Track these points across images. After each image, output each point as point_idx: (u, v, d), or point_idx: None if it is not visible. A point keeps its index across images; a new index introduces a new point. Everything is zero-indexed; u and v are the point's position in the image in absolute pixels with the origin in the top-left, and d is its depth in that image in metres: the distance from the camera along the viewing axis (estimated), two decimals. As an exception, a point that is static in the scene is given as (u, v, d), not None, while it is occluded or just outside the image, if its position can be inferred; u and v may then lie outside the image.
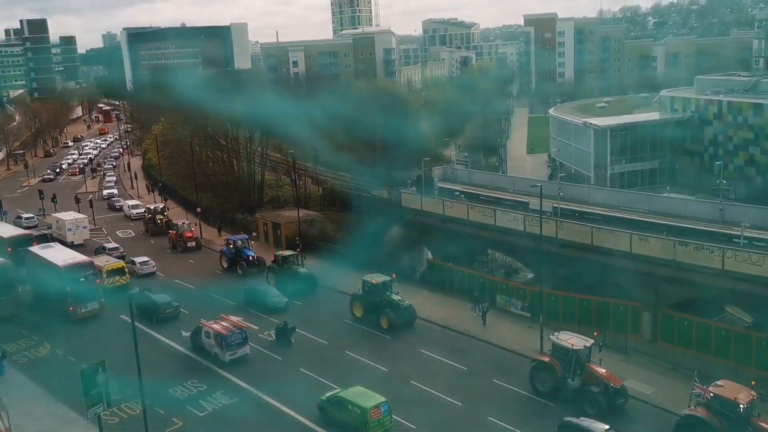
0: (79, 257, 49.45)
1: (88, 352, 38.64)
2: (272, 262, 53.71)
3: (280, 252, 53.99)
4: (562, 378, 34.61)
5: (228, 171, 78.37)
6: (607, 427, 30.04)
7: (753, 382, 31.87)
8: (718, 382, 30.83)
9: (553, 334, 36.23)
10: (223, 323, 40.67)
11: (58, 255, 49.49)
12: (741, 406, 29.20)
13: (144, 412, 28.31)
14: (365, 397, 32.46)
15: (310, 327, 44.62)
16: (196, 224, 68.51)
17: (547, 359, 35.57)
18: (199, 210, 72.92)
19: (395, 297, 44.84)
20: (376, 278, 45.23)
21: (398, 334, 43.38)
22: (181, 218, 71.59)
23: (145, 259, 57.94)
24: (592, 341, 35.31)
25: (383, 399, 32.46)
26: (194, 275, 56.32)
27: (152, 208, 72.89)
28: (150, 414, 29.52)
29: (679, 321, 40.43)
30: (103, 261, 54.04)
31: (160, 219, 70.71)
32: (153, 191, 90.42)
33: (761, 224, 44.84)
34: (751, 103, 79.81)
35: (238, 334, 39.70)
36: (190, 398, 36.12)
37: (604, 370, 34.43)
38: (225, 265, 57.56)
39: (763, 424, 29.42)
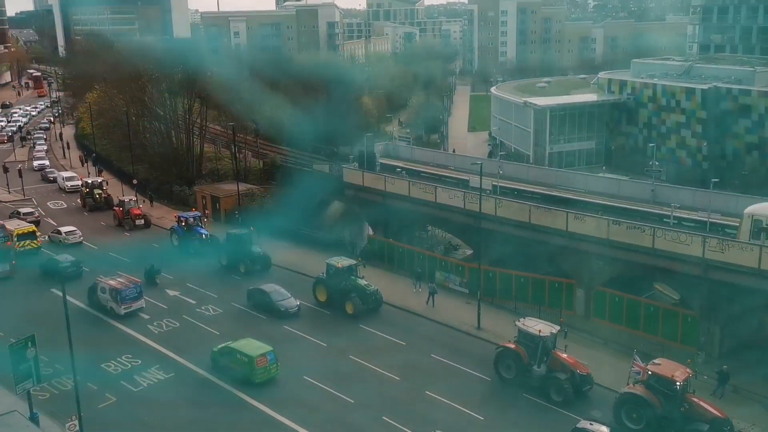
0: None
1: (18, 326, 37.50)
2: (224, 240, 51.63)
3: (234, 231, 51.62)
4: (527, 365, 34.20)
5: (166, 142, 76.44)
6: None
7: (689, 360, 33.18)
8: (656, 361, 31.84)
9: (519, 320, 35.72)
10: (119, 279, 43.05)
11: None
12: (677, 383, 30.18)
13: (75, 387, 27.54)
14: (252, 347, 34.89)
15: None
16: (135, 198, 65.35)
17: (512, 346, 34.93)
18: (135, 182, 71.03)
19: (361, 281, 43.47)
20: (342, 262, 43.88)
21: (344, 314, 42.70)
22: (116, 190, 69.53)
23: (72, 228, 57.43)
24: (558, 328, 35.13)
25: (270, 348, 34.89)
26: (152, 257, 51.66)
27: (90, 182, 69.00)
28: (82, 390, 28.77)
29: (611, 298, 41.75)
30: (15, 225, 53.95)
31: (98, 194, 67.16)
32: (87, 162, 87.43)
33: (690, 205, 46.46)
34: (684, 87, 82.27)
35: (132, 288, 42.16)
36: (124, 373, 35.46)
37: (570, 357, 34.34)
38: (176, 243, 54.89)
39: (697, 401, 30.63)
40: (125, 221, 60.85)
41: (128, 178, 73.17)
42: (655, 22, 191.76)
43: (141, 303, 42.77)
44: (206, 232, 54.53)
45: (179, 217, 55.92)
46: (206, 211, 61.59)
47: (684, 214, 45.23)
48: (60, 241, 56.02)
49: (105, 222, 63.04)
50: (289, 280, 47.23)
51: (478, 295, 42.34)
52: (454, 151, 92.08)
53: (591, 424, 29.35)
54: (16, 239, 51.38)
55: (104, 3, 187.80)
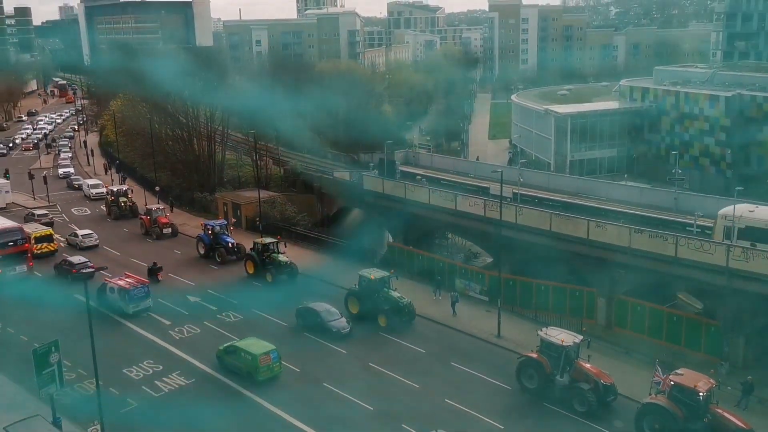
0: (8, 223, 51.99)
1: (42, 331, 37.95)
2: (251, 249, 51.10)
3: (260, 239, 51.15)
4: (550, 375, 33.80)
5: (188, 150, 77.23)
6: None
7: (712, 371, 32.73)
8: (678, 371, 31.44)
9: (542, 330, 35.35)
10: (127, 279, 44.26)
11: None
12: (700, 394, 29.77)
13: (98, 392, 27.83)
14: (257, 345, 35.82)
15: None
16: (162, 205, 65.78)
17: (534, 355, 34.54)
18: (157, 189, 71.79)
19: (394, 294, 42.56)
20: (374, 273, 42.93)
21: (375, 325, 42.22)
22: (139, 197, 70.24)
23: (88, 231, 58.90)
24: (581, 337, 34.72)
25: (273, 347, 35.77)
26: (174, 265, 53.04)
27: (115, 190, 69.16)
28: (104, 395, 29.05)
29: (633, 307, 41.36)
30: (32, 228, 55.48)
31: (124, 202, 67.29)
32: (110, 170, 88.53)
33: (713, 214, 45.93)
34: (707, 94, 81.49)
35: (140, 288, 43.43)
36: (146, 378, 35.75)
37: (593, 367, 33.88)
38: (202, 251, 54.86)
39: (720, 412, 30.21)
40: (152, 230, 60.91)
41: (151, 185, 73.97)
42: (677, 29, 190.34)
43: (149, 302, 43.79)
44: (233, 241, 54.52)
45: (205, 225, 55.80)
46: (232, 219, 61.55)
47: (707, 223, 44.77)
48: (77, 244, 57.23)
49: (130, 230, 63.46)
50: (318, 291, 46.92)
51: (498, 303, 42.15)
52: (477, 158, 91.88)
53: None
54: (33, 242, 52.86)
55: (128, 12, 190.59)
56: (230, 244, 53.98)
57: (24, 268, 50.05)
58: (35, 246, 53.12)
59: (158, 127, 76.96)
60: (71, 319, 41.18)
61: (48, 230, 56.17)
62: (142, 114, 78.32)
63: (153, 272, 49.37)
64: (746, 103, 77.68)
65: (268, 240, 50.92)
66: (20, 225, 53.76)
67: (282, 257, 50.07)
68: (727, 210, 42.03)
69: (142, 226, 62.08)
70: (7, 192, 72.88)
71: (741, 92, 78.51)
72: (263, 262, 49.71)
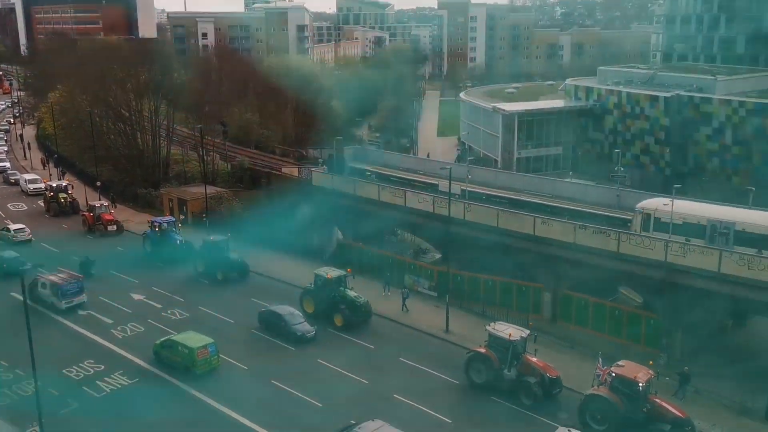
0: None
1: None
2: (200, 247, 50.10)
3: (210, 237, 50.11)
4: (498, 369, 34.34)
5: (131, 144, 75.37)
6: None
7: (651, 362, 33.69)
8: (619, 363, 32.29)
9: (490, 325, 35.94)
10: (59, 275, 43.55)
11: None
12: (640, 384, 30.69)
13: (37, 393, 26.93)
14: (194, 339, 35.90)
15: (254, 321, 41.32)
16: (106, 202, 63.89)
17: (483, 350, 35.03)
18: (99, 184, 69.89)
19: (350, 293, 42.31)
20: (331, 272, 42.54)
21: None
22: (79, 192, 68.18)
23: (21, 226, 57.88)
24: (528, 332, 35.33)
25: (211, 340, 35.92)
26: (118, 263, 51.24)
27: (55, 185, 66.89)
28: (43, 396, 28.14)
29: (577, 301, 42.28)
30: None
31: (64, 198, 65.06)
32: (48, 164, 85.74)
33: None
34: (648, 94, 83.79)
35: (73, 283, 42.76)
36: (87, 379, 34.84)
37: (540, 361, 34.60)
38: (149, 249, 53.50)
39: (659, 401, 31.17)
40: (96, 227, 59.09)
41: (91, 179, 71.94)
42: (620, 30, 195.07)
43: (82, 297, 43.17)
44: (181, 238, 53.29)
45: (152, 222, 54.41)
46: (181, 216, 60.10)
47: (630, 216, 45.89)
48: (9, 238, 55.78)
49: (70, 226, 61.58)
50: (270, 289, 46.66)
51: (446, 298, 42.51)
52: (428, 155, 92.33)
53: (569, 430, 29.62)
54: None
55: (67, 1, 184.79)
56: (178, 242, 52.85)
57: None
58: None
59: (99, 120, 74.89)
60: (7, 316, 40.07)
61: None
62: (81, 107, 76.08)
63: (86, 266, 48.42)
64: (684, 104, 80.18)
65: (217, 237, 49.97)
66: None
67: (233, 255, 49.20)
68: (645, 203, 44.37)
69: (85, 223, 60.20)
70: None
71: (680, 93, 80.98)
72: (214, 260, 48.73)
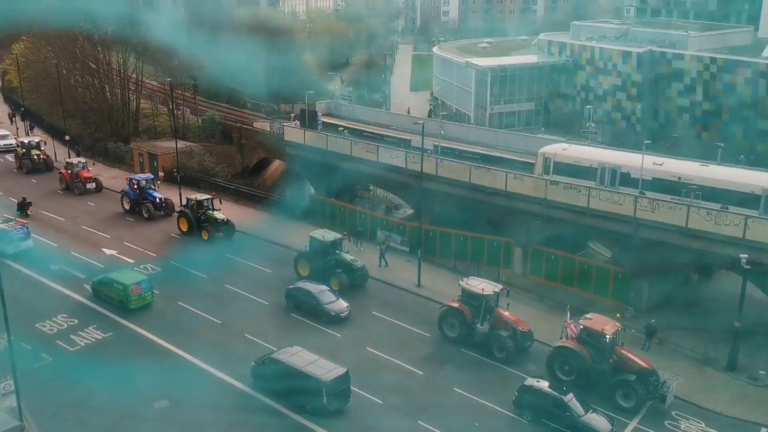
0: None
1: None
2: (184, 206, 49.63)
3: (194, 196, 49.08)
4: (471, 324, 34.93)
5: (99, 97, 73.84)
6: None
7: (618, 315, 34.59)
8: (587, 315, 33.13)
9: (463, 280, 36.45)
10: (9, 223, 44.59)
11: None
12: (607, 336, 31.54)
13: (10, 347, 26.91)
14: (128, 275, 38.03)
15: (246, 283, 41.20)
16: (84, 159, 61.88)
17: (456, 305, 35.60)
18: (67, 138, 68.62)
19: (347, 257, 42.01)
20: (326, 235, 41.94)
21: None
22: (49, 148, 66.66)
23: None
24: (500, 287, 35.88)
25: (145, 277, 38.22)
26: (96, 221, 51.13)
27: (27, 141, 65.06)
28: (16, 350, 28.11)
29: (546, 256, 43.02)
30: None
31: (37, 155, 63.46)
32: (15, 118, 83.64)
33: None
34: (621, 50, 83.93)
35: (19, 228, 43.86)
36: (60, 333, 34.85)
37: (512, 315, 35.18)
38: (127, 207, 52.70)
39: (625, 353, 32.10)
40: (74, 185, 57.79)
41: (60, 134, 70.53)
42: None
43: (29, 243, 44.22)
44: (161, 196, 52.60)
45: (131, 179, 53.44)
46: (161, 173, 58.65)
47: (532, 160, 48.29)
48: None
49: (45, 184, 59.98)
50: (259, 249, 46.53)
51: (418, 253, 42.96)
52: (408, 110, 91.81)
53: (537, 381, 30.55)
54: None
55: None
56: (158, 199, 52.10)
57: None
58: None
59: (66, 73, 73.08)
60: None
61: None
62: (47, 58, 74.06)
63: (22, 207, 50.66)
64: (657, 60, 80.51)
65: (202, 197, 49.05)
66: None
67: (218, 214, 48.57)
68: (546, 148, 47.37)
69: (62, 180, 58.73)
70: None
71: (652, 48, 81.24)
72: (198, 219, 48.26)
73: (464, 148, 55.59)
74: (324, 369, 29.26)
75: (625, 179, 43.21)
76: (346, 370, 29.64)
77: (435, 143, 53.88)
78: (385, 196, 60.91)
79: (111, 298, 37.38)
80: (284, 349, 30.98)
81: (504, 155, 52.99)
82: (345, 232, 44.09)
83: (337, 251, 41.95)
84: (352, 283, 40.97)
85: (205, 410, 29.44)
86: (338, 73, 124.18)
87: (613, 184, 43.40)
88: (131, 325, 35.93)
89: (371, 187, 61.32)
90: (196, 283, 41.12)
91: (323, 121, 63.66)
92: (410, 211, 55.94)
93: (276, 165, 71.87)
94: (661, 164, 42.91)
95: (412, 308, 39.35)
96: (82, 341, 34.20)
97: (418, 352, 34.81)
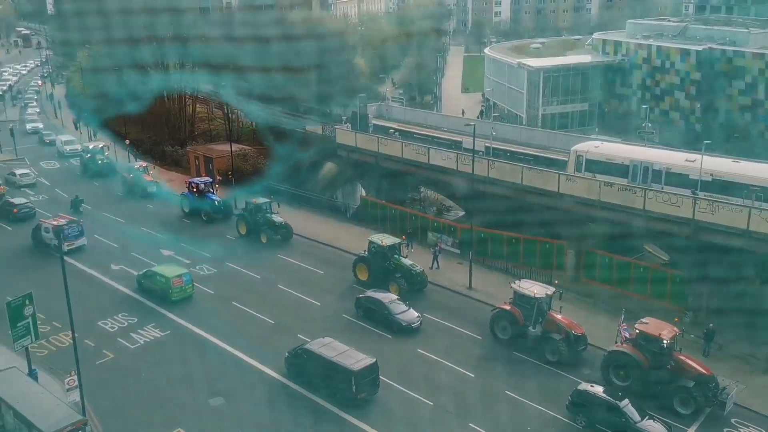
0: None
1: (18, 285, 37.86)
2: (242, 209, 50.36)
3: (253, 199, 49.58)
4: (523, 326, 34.68)
5: (158, 102, 75.86)
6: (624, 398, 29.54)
7: (676, 319, 33.77)
8: (644, 320, 32.39)
9: (515, 282, 36.18)
10: (60, 220, 46.62)
11: None
12: (664, 341, 30.81)
13: (74, 344, 27.95)
14: (170, 269, 39.94)
15: (298, 284, 41.67)
16: (146, 163, 63.59)
17: (508, 307, 35.41)
18: (127, 142, 70.71)
19: (406, 261, 41.67)
20: (385, 239, 41.70)
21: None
22: (110, 151, 68.94)
23: (26, 171, 63.66)
24: (553, 289, 35.49)
25: (185, 270, 40.08)
26: (155, 223, 52.52)
27: (91, 147, 67.21)
28: (80, 347, 29.17)
29: (601, 259, 42.28)
30: None
31: (101, 159, 65.45)
32: (79, 124, 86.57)
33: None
34: (679, 48, 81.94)
35: (74, 226, 45.92)
36: (121, 330, 35.97)
37: (565, 318, 34.75)
38: (186, 210, 53.87)
39: (683, 358, 31.32)
40: (136, 189, 59.12)
41: (120, 137, 72.73)
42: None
43: (83, 240, 46.33)
44: (218, 199, 53.42)
45: (190, 182, 54.50)
46: (218, 177, 58.75)
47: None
48: (15, 182, 60.84)
49: (107, 187, 61.75)
50: (316, 252, 47.09)
51: (469, 255, 42.79)
52: (463, 112, 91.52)
53: (591, 386, 30.05)
54: None
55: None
56: (216, 202, 52.96)
57: None
58: None
59: (126, 78, 75.26)
60: (44, 270, 41.33)
61: None
62: (109, 65, 76.45)
63: (75, 204, 54.07)
64: (716, 58, 78.35)
65: (261, 200, 49.58)
66: None
67: (276, 217, 49.10)
68: (579, 146, 47.83)
69: (124, 184, 60.44)
70: None
71: (712, 46, 79.06)
72: (256, 222, 48.80)
73: (516, 150, 55.13)
74: (353, 359, 29.97)
75: (656, 176, 43.27)
76: (374, 360, 30.16)
77: (486, 144, 53.60)
78: (435, 198, 60.84)
79: (154, 290, 39.37)
80: (316, 340, 31.90)
81: (556, 156, 52.31)
82: (404, 236, 43.71)
83: (395, 255, 41.72)
84: (411, 288, 40.56)
85: (257, 407, 29.98)
86: (389, 76, 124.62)
87: (645, 181, 43.43)
88: (187, 324, 36.84)
89: (422, 189, 61.33)
90: (250, 284, 41.90)
91: (374, 124, 64.02)
92: (461, 213, 55.75)
93: (328, 167, 72.51)
94: (693, 161, 42.68)
95: (463, 310, 39.23)
96: (141, 339, 35.24)
97: (470, 354, 34.69)
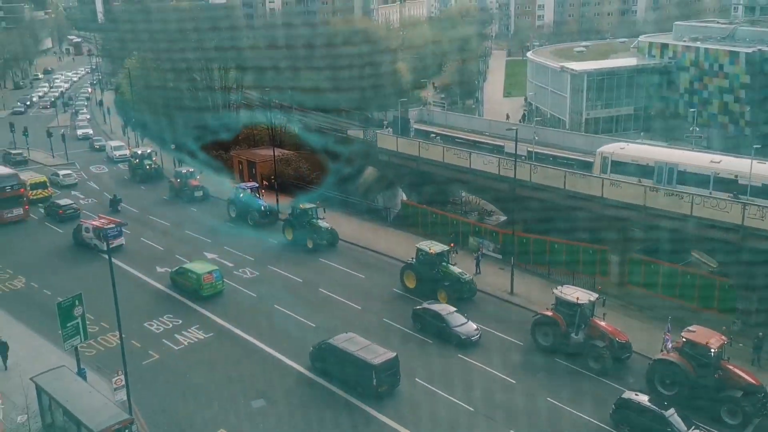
0: (5, 169, 57.79)
1: (66, 285, 39.01)
2: (289, 215, 50.21)
3: (299, 204, 49.80)
4: (565, 333, 34.16)
5: (203, 107, 77.29)
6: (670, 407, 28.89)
7: (724, 328, 32.97)
8: (690, 328, 31.72)
9: (557, 288, 35.81)
10: (101, 220, 48.65)
11: None
12: (712, 350, 30.14)
13: (122, 344, 28.64)
14: (202, 266, 41.66)
15: (339, 288, 41.96)
16: (192, 168, 64.10)
17: (550, 313, 34.88)
18: (173, 147, 72.14)
19: (454, 269, 40.97)
20: (434, 247, 40.94)
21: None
22: (157, 156, 70.48)
23: (68, 171, 67.15)
24: (596, 295, 34.92)
25: (216, 267, 41.65)
26: (201, 227, 53.10)
27: (140, 152, 68.87)
28: (127, 347, 29.87)
29: (646, 265, 41.51)
30: (28, 175, 61.36)
31: (149, 164, 66.83)
32: (127, 129, 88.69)
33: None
34: (728, 50, 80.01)
35: (114, 227, 45.78)
36: (166, 332, 36.68)
37: (608, 325, 34.14)
38: (233, 214, 54.53)
39: (731, 368, 30.56)
40: (183, 193, 60.31)
41: (166, 141, 74.26)
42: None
43: (121, 240, 47.80)
44: (265, 203, 54.02)
45: (237, 188, 55.09)
46: (264, 183, 58.97)
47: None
48: (58, 182, 64.34)
49: (155, 192, 63.02)
50: (357, 256, 47.30)
51: (511, 260, 42.46)
52: (508, 116, 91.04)
53: (636, 394, 29.52)
54: (29, 188, 57.99)
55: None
56: (262, 207, 53.49)
57: (20, 211, 54.59)
58: (30, 192, 57.93)
59: (173, 85, 76.98)
60: (91, 271, 42.50)
61: (42, 177, 61.66)
62: (156, 72, 78.26)
63: (114, 204, 56.95)
64: (766, 60, 76.26)
65: (307, 205, 49.77)
66: (16, 171, 58.81)
67: (322, 223, 49.18)
68: (604, 148, 48.54)
69: (171, 188, 61.49)
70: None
71: (762, 48, 76.99)
72: (303, 227, 48.89)
73: (559, 154, 54.55)
74: (374, 353, 30.90)
75: (682, 177, 43.75)
76: (395, 354, 30.99)
77: (529, 149, 53.17)
78: (477, 203, 60.57)
79: (186, 287, 40.99)
80: (339, 335, 33.02)
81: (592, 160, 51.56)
82: (452, 244, 43.25)
83: (444, 263, 41.02)
84: (460, 296, 39.84)
85: (298, 410, 30.24)
86: (431, 80, 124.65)
87: (671, 182, 43.82)
88: (230, 326, 37.37)
89: (463, 194, 61.13)
90: (292, 287, 42.29)
91: (416, 128, 64.08)
92: (503, 218, 55.39)
93: (369, 171, 72.83)
94: (719, 162, 43.17)
95: (504, 316, 38.93)
96: (185, 340, 35.88)
97: (511, 360, 34.40)
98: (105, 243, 44.61)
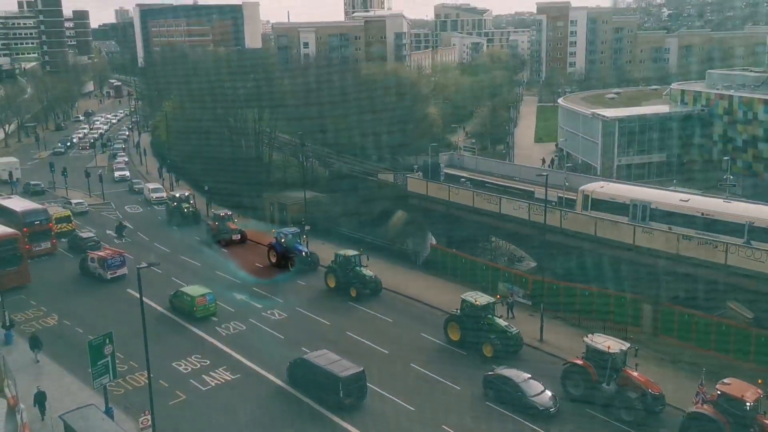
0: (36, 204, 60.18)
1: (94, 321, 39.51)
2: (332, 262, 48.89)
3: (343, 252, 48.80)
4: (596, 382, 33.40)
5: (236, 150, 78.80)
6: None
7: (760, 381, 32.10)
8: (725, 380, 30.99)
9: (588, 336, 35.19)
10: (106, 251, 51.87)
11: (17, 203, 60.14)
12: (747, 404, 29.37)
13: (149, 384, 28.80)
14: (195, 290, 44.32)
15: (367, 331, 41.41)
16: (231, 212, 63.17)
17: (580, 362, 34.26)
18: (207, 189, 73.34)
19: (500, 322, 39.76)
20: (479, 298, 39.72)
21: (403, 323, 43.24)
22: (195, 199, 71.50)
23: (80, 200, 72.22)
24: (628, 345, 34.23)
25: (209, 291, 44.19)
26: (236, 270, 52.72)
27: (178, 195, 68.31)
28: (154, 387, 30.03)
29: (679, 315, 40.72)
30: (53, 210, 62.90)
31: (186, 207, 66.22)
32: (163, 170, 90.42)
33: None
34: (762, 99, 79.45)
35: (117, 258, 50.44)
36: (194, 372, 36.79)
37: (641, 375, 33.38)
38: (273, 260, 53.49)
39: (767, 422, 29.58)
40: (220, 236, 59.44)
41: (199, 184, 75.56)
42: (732, 31, 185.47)
43: (124, 270, 50.18)
44: (306, 250, 53.33)
45: (278, 233, 54.24)
46: (306, 227, 56.65)
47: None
48: (72, 208, 67.53)
49: (192, 235, 63.09)
50: (386, 300, 46.77)
51: (541, 307, 41.99)
52: (543, 161, 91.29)
53: None
54: (55, 222, 59.57)
55: (181, 15, 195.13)
56: (304, 253, 52.75)
57: (48, 245, 56.48)
58: (56, 226, 59.71)
59: (208, 127, 78.72)
60: (121, 309, 43.04)
61: (66, 212, 64.15)
62: (192, 115, 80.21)
63: (120, 230, 61.17)
64: (802, 108, 75.57)
65: (351, 252, 48.64)
66: (45, 206, 60.88)
67: (366, 271, 47.74)
68: (585, 186, 51.68)
69: (209, 232, 61.13)
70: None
71: (797, 97, 76.40)
72: (346, 275, 47.77)
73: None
74: (342, 367, 33.14)
75: (654, 214, 46.70)
76: (362, 368, 33.19)
77: (559, 194, 53.01)
78: (507, 248, 60.28)
79: (181, 308, 43.73)
80: (314, 352, 35.61)
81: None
82: (498, 296, 42.46)
83: (489, 315, 39.65)
84: (507, 350, 38.39)
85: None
86: (462, 125, 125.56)
87: (644, 219, 46.74)
88: (257, 369, 37.35)
89: (493, 239, 60.92)
90: (320, 331, 42.20)
91: (446, 173, 64.39)
92: (533, 264, 54.97)
93: (398, 215, 73.14)
94: (687, 201, 46.39)
95: (533, 363, 38.21)
96: (212, 381, 35.94)
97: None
98: (107, 272, 48.91)
